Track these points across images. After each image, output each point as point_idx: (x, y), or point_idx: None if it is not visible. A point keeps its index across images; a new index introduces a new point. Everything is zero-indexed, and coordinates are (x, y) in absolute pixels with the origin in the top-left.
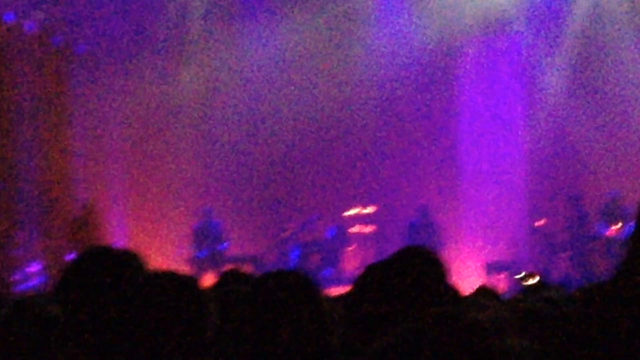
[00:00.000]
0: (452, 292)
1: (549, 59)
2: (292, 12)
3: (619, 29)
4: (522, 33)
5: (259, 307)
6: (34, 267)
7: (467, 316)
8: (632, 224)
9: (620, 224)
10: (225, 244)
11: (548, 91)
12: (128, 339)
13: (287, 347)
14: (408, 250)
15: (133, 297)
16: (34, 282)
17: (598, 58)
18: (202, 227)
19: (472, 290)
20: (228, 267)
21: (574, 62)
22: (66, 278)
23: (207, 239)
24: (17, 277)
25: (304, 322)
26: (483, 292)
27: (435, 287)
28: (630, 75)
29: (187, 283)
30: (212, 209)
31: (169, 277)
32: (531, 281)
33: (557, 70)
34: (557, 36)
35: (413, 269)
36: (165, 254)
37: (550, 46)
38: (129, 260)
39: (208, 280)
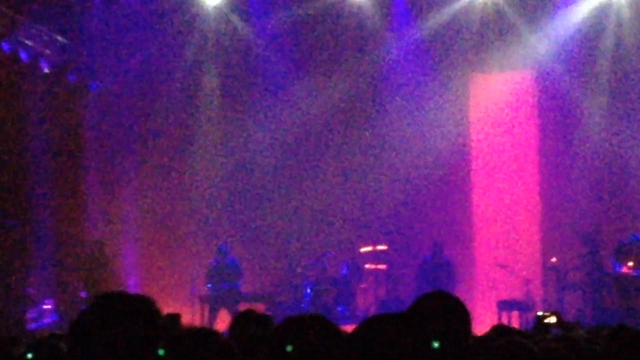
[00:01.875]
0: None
1: (555, 99)
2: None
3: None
4: (535, 72)
5: (283, 354)
6: (47, 305)
7: None
8: None
9: (633, 263)
10: (239, 281)
11: (562, 131)
12: None
13: None
14: (430, 296)
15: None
16: (47, 319)
17: (618, 99)
18: (219, 264)
19: (486, 329)
20: (241, 304)
21: (591, 101)
22: (80, 322)
23: (222, 276)
24: (31, 314)
25: None
26: (500, 330)
27: (462, 333)
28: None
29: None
30: (229, 246)
31: (203, 335)
32: (551, 320)
33: (569, 108)
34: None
35: (439, 316)
36: (178, 291)
37: (566, 85)
38: (144, 306)
39: (222, 319)
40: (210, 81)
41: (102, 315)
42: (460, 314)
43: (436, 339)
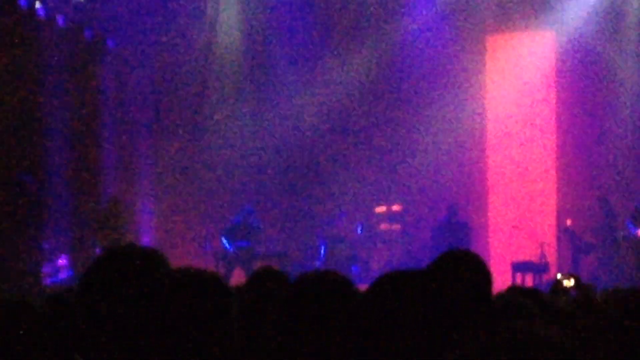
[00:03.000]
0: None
1: (576, 60)
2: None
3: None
4: (553, 33)
5: (299, 309)
6: (62, 260)
7: (543, 335)
8: None
9: None
10: (256, 240)
11: (579, 93)
12: (150, 338)
13: (328, 350)
14: (453, 254)
15: (155, 294)
16: (63, 275)
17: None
18: (241, 223)
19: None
20: (256, 263)
21: (609, 62)
22: (88, 277)
23: (243, 234)
24: (46, 269)
25: (345, 325)
26: (516, 292)
27: (483, 294)
28: None
29: (211, 280)
30: (253, 207)
31: (192, 275)
32: (569, 283)
33: (588, 70)
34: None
35: (459, 275)
36: (193, 248)
37: (583, 46)
38: (152, 259)
39: (237, 276)
40: (230, 44)
41: (110, 270)
42: (481, 274)
43: (456, 298)
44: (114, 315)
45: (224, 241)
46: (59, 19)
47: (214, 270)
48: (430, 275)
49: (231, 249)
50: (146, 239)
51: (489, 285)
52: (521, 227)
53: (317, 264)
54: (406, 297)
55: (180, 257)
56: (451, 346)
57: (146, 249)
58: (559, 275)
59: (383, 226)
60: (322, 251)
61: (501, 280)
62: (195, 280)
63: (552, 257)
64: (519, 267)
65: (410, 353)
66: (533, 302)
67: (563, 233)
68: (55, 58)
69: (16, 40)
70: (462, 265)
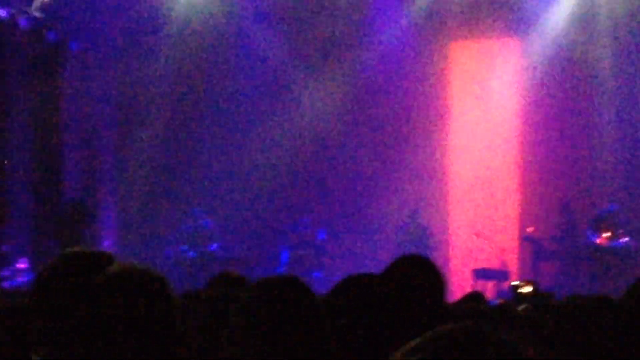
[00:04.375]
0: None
1: (542, 65)
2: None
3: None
4: (517, 40)
5: (257, 312)
6: (21, 264)
7: (495, 334)
8: (621, 232)
9: (610, 233)
10: (215, 245)
11: (541, 99)
12: (96, 339)
13: (284, 353)
14: (406, 259)
15: (96, 297)
16: (22, 279)
17: (600, 67)
18: (192, 228)
19: (462, 296)
20: (217, 268)
21: (572, 70)
22: (41, 280)
23: (197, 239)
24: (5, 273)
25: (302, 329)
26: (475, 298)
27: (435, 298)
28: (624, 88)
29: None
30: (203, 209)
31: (132, 277)
32: (526, 289)
33: (551, 77)
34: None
35: (412, 279)
36: (155, 253)
37: (547, 54)
38: (103, 263)
39: (198, 281)
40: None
41: (61, 273)
42: (434, 277)
43: (409, 301)
44: (66, 316)
45: (181, 247)
46: (21, 21)
47: (165, 274)
48: (384, 280)
49: (189, 255)
50: (108, 243)
51: (441, 288)
52: (483, 234)
53: (279, 269)
54: (362, 301)
55: (144, 261)
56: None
57: (98, 253)
58: (515, 282)
59: (346, 231)
60: (284, 257)
61: (462, 287)
62: (133, 284)
63: (513, 265)
64: (480, 274)
65: (366, 355)
66: (491, 308)
67: (524, 240)
68: (17, 60)
69: None
70: (415, 270)
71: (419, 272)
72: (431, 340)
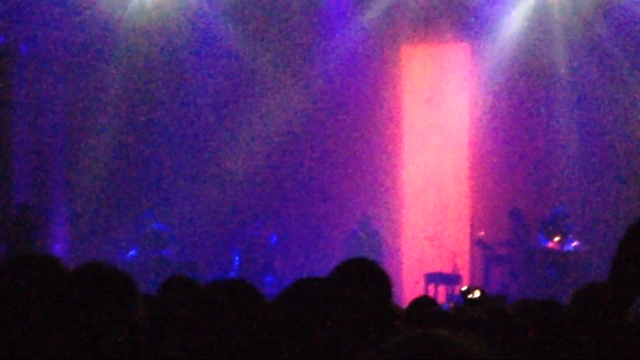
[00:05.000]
0: (395, 306)
1: (493, 70)
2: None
3: (554, 41)
4: (467, 45)
5: (204, 315)
6: None
7: (449, 340)
8: (571, 237)
9: (559, 238)
10: (168, 249)
11: (492, 105)
12: (46, 339)
13: (231, 356)
14: (352, 263)
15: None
16: None
17: (548, 74)
18: (144, 232)
19: (412, 300)
20: (170, 272)
21: (521, 76)
22: None
23: (149, 243)
24: None
25: (249, 332)
26: (425, 302)
27: (381, 302)
28: (574, 93)
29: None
30: (154, 213)
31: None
32: (475, 294)
33: (502, 82)
34: (503, 51)
35: (358, 283)
36: (107, 257)
37: (496, 59)
38: (49, 267)
39: (150, 286)
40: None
41: (9, 277)
42: (380, 280)
43: (355, 304)
44: (14, 318)
45: (131, 252)
46: None
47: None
48: (328, 284)
49: (140, 260)
50: (59, 247)
51: (388, 291)
52: (434, 238)
53: (231, 273)
54: (307, 306)
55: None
56: (354, 353)
57: (44, 257)
58: (464, 288)
59: (297, 236)
60: (236, 261)
61: (414, 291)
62: (100, 280)
63: (464, 269)
64: (432, 278)
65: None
66: (444, 312)
67: (475, 244)
68: None
69: None
70: (360, 273)
71: (364, 275)
72: (394, 349)
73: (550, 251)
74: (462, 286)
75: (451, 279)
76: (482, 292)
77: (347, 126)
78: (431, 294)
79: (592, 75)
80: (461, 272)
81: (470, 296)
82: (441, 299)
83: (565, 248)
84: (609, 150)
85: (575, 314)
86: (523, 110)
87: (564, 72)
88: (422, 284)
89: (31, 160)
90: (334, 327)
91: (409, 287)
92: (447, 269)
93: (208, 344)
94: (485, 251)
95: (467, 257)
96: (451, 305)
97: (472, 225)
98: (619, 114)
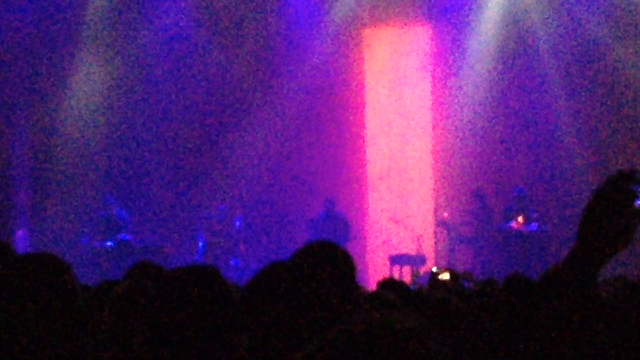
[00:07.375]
0: (359, 288)
1: (455, 52)
2: None
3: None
4: (429, 27)
5: (170, 303)
6: None
7: (397, 323)
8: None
9: (522, 218)
10: (128, 235)
11: (455, 88)
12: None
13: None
14: (314, 245)
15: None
16: None
17: (509, 56)
18: (105, 218)
19: (377, 283)
20: (134, 258)
21: (483, 58)
22: None
23: (111, 229)
24: None
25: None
26: (391, 285)
27: (344, 284)
28: (539, 74)
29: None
30: (115, 198)
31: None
32: (444, 276)
33: (464, 64)
34: (466, 33)
35: (320, 265)
36: (70, 244)
37: (459, 41)
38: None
39: (115, 272)
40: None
41: None
42: (342, 262)
43: (318, 286)
44: None
45: (96, 240)
46: None
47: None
48: (290, 267)
49: (105, 245)
50: (21, 232)
51: (351, 273)
52: (399, 220)
53: (195, 257)
54: (272, 290)
55: (59, 251)
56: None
57: None
58: (434, 269)
59: (262, 220)
60: (200, 245)
61: (379, 273)
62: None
63: (429, 250)
64: (397, 259)
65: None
66: (401, 294)
67: (440, 225)
68: None
69: None
70: (322, 256)
71: (326, 257)
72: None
73: (513, 231)
74: (426, 268)
75: (416, 260)
76: (452, 273)
77: (311, 110)
78: (396, 275)
79: (559, 55)
80: (426, 254)
81: (440, 277)
82: (406, 279)
83: (529, 228)
84: (570, 131)
85: (542, 294)
86: (485, 93)
87: (524, 54)
88: (387, 265)
89: None
90: (296, 311)
91: (374, 269)
92: (411, 251)
93: (174, 332)
94: (449, 232)
95: (431, 238)
96: (417, 286)
97: (436, 207)
98: (579, 95)
